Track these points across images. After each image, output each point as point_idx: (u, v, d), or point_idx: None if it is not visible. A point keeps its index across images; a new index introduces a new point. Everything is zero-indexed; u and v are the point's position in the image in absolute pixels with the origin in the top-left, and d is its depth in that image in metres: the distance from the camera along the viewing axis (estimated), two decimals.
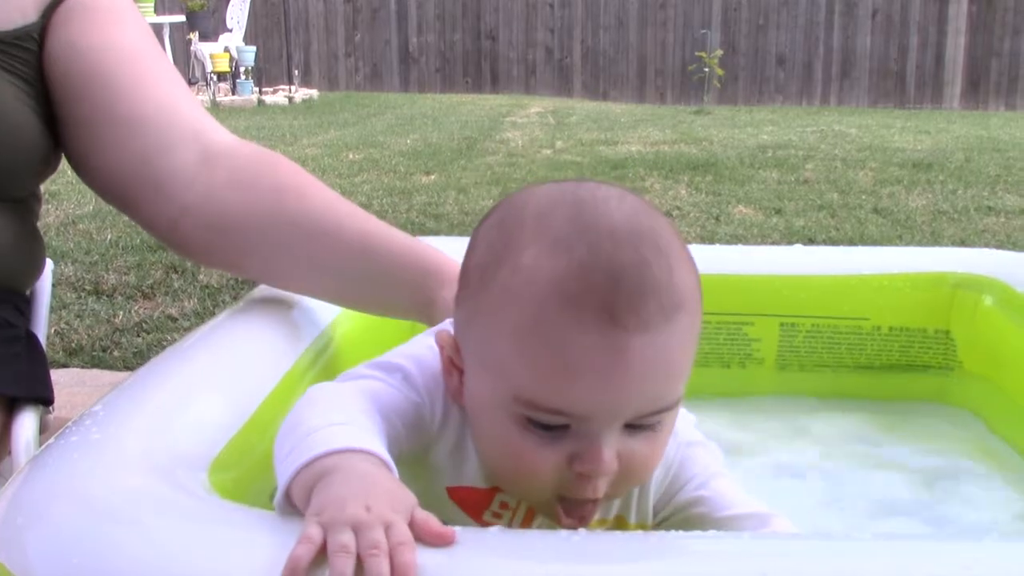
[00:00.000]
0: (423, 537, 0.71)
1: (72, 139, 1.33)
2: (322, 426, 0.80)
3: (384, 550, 0.69)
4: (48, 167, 1.36)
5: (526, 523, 0.93)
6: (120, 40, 1.35)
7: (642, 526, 0.98)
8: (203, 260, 1.39)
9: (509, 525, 0.93)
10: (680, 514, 0.97)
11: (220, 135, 1.36)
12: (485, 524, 0.92)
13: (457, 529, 0.73)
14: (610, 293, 0.78)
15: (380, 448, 0.79)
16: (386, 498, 0.73)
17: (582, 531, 0.79)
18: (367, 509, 0.71)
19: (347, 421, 0.81)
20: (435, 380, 0.92)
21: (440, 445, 0.93)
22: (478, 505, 0.93)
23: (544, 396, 0.80)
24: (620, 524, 0.97)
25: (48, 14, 1.33)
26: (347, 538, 0.69)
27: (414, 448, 0.90)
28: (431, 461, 0.91)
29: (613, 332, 0.77)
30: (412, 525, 0.72)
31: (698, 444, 1.00)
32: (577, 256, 0.79)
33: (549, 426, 0.81)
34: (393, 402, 0.89)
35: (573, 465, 0.82)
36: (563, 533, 0.77)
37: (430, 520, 0.73)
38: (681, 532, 0.84)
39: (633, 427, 0.83)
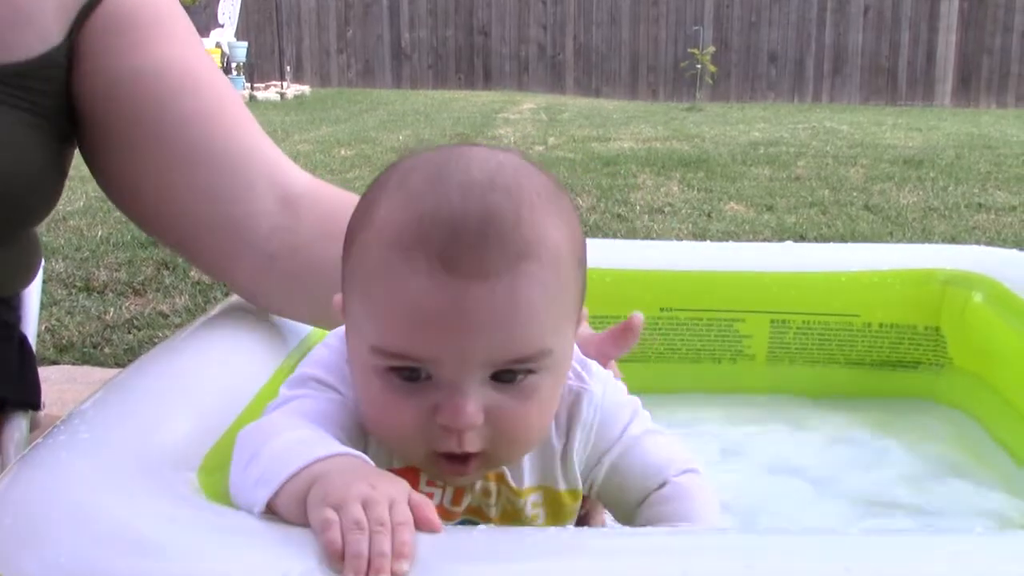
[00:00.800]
0: (417, 521, 0.73)
1: (121, 179, 1.19)
2: (291, 444, 0.80)
3: (388, 528, 0.70)
4: (52, 206, 1.22)
5: (456, 500, 0.94)
6: (174, 60, 1.18)
7: (572, 493, 0.98)
8: (278, 309, 1.27)
9: (441, 502, 0.93)
10: (613, 480, 0.98)
11: (298, 174, 1.24)
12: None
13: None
14: (449, 241, 0.79)
15: (358, 451, 0.81)
16: (386, 479, 0.75)
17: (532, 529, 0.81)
18: (372, 487, 0.73)
19: (309, 438, 0.82)
20: (340, 370, 0.93)
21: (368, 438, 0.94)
22: (410, 482, 0.93)
23: (391, 341, 0.81)
24: (549, 494, 0.97)
25: (76, 29, 1.15)
26: (359, 514, 0.70)
27: (356, 444, 0.90)
28: (369, 451, 0.91)
29: (450, 279, 0.78)
30: (410, 507, 0.74)
31: (623, 405, 1.00)
32: (423, 208, 0.81)
33: (410, 378, 0.82)
34: (320, 410, 0.89)
35: (436, 417, 0.82)
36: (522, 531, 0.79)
37: (424, 504, 0.74)
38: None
39: (500, 381, 0.83)
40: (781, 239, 4.04)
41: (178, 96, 1.16)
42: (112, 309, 3.04)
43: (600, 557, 0.74)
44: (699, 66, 10.83)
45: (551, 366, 0.85)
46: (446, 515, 0.93)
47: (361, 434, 0.91)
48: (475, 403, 0.82)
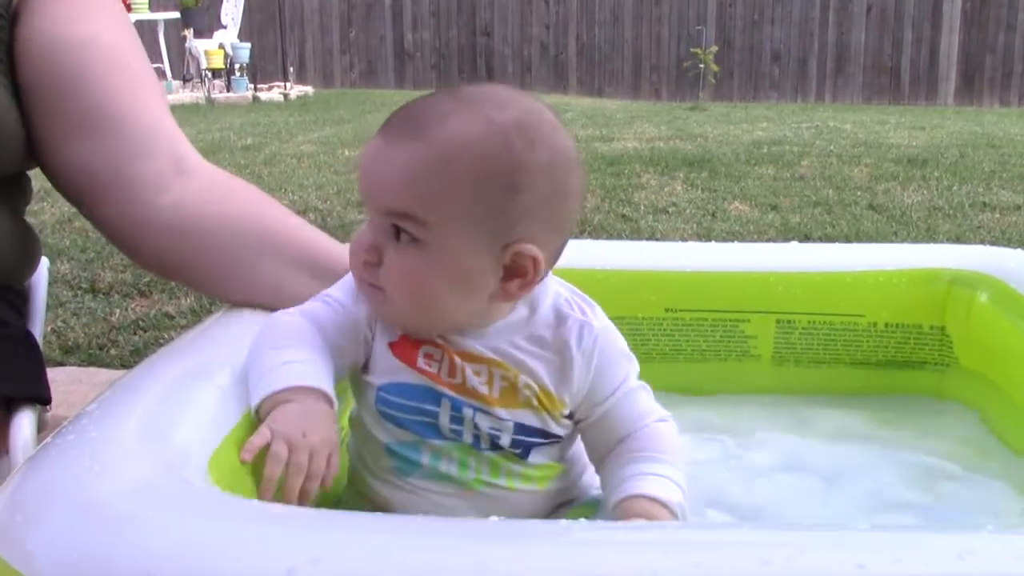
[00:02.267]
0: (325, 478, 0.97)
1: (40, 129, 1.31)
2: (277, 366, 1.04)
3: (303, 474, 0.96)
4: (24, 149, 1.33)
5: (452, 372, 1.10)
6: (102, 34, 1.34)
7: (560, 402, 1.13)
8: (156, 262, 1.37)
9: (439, 373, 1.09)
10: (603, 422, 1.15)
11: (194, 153, 1.38)
12: (422, 371, 1.09)
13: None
14: (393, 116, 1.05)
15: (327, 386, 1.03)
16: (320, 434, 0.98)
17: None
18: (303, 434, 0.97)
19: (303, 359, 1.05)
20: (349, 287, 1.14)
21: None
22: (408, 354, 1.10)
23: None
24: (543, 389, 1.12)
25: None
26: (283, 450, 0.96)
27: (356, 347, 1.12)
28: (378, 326, 1.12)
29: (378, 140, 1.04)
30: (327, 463, 0.97)
31: (624, 354, 1.17)
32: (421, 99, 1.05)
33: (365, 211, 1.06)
34: (330, 318, 1.11)
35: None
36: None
37: (334, 467, 0.99)
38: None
39: (395, 238, 1.02)
40: (786, 239, 4.04)
41: (98, 68, 1.32)
42: (118, 310, 3.04)
43: (615, 550, 0.74)
44: (702, 65, 10.82)
45: (428, 243, 1.01)
46: (443, 384, 1.09)
47: (361, 329, 1.11)
48: (369, 236, 1.04)
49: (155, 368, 1.09)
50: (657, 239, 3.97)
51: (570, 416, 1.15)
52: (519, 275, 1.06)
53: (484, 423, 1.10)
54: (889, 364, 1.83)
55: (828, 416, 1.75)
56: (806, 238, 4.06)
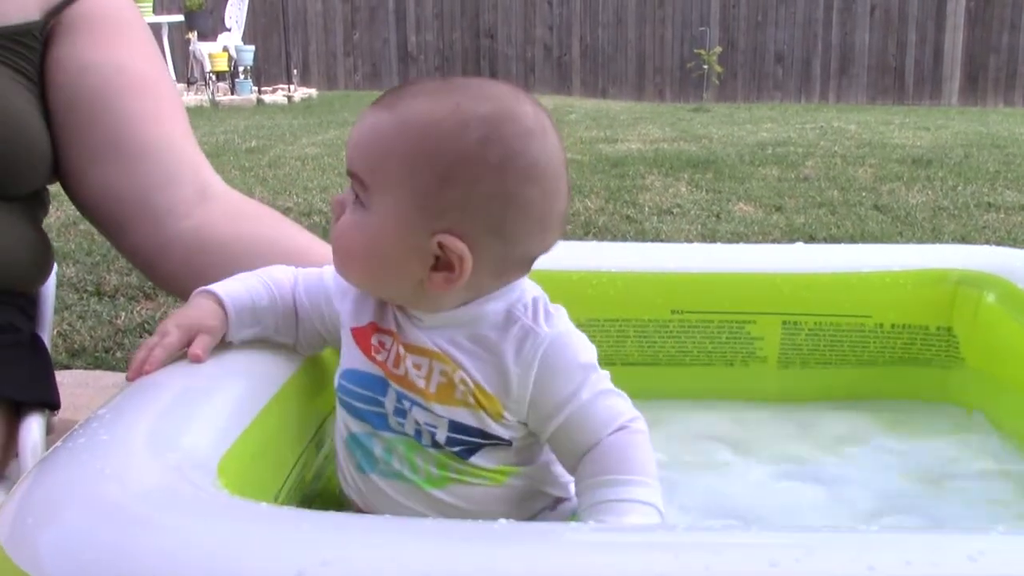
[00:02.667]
0: (190, 350, 1.08)
1: (67, 152, 1.34)
2: (235, 279, 1.16)
3: (150, 348, 1.07)
4: (50, 166, 1.35)
5: (396, 363, 1.09)
6: (131, 62, 1.37)
7: (496, 402, 1.08)
8: (177, 284, 1.37)
9: (386, 362, 1.10)
10: (561, 434, 1.09)
11: (218, 180, 1.42)
12: (374, 360, 1.11)
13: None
14: (387, 92, 1.07)
15: (224, 291, 1.12)
16: (185, 320, 1.10)
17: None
18: (173, 322, 1.10)
19: (238, 278, 1.16)
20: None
21: (346, 296, 1.16)
22: (365, 341, 1.12)
23: None
24: (479, 388, 1.08)
25: (52, 15, 1.32)
26: (155, 338, 1.08)
27: (318, 302, 1.18)
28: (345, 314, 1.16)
29: (365, 110, 1.06)
30: (190, 341, 1.09)
31: (576, 368, 1.08)
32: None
33: None
34: (312, 279, 1.19)
35: None
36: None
37: (198, 343, 1.09)
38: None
39: (355, 195, 1.05)
40: (791, 240, 4.04)
41: (127, 95, 1.35)
42: (123, 313, 3.05)
43: (623, 552, 0.74)
44: (705, 67, 10.83)
45: (368, 209, 1.03)
46: (389, 375, 1.10)
47: (325, 303, 1.17)
48: (346, 195, 1.07)
49: (166, 371, 1.09)
50: (661, 240, 3.97)
51: (524, 423, 1.10)
52: (446, 268, 1.02)
53: (421, 417, 1.08)
54: (896, 365, 1.82)
55: (835, 418, 1.75)
56: (811, 239, 4.06)
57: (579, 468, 1.08)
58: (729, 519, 1.41)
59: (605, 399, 1.09)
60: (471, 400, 1.07)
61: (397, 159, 1.01)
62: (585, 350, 1.10)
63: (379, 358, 1.10)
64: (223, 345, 1.18)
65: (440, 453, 1.09)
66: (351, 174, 1.05)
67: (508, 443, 1.10)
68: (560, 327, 1.09)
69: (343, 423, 1.16)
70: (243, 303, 1.14)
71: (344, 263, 1.09)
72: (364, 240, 1.04)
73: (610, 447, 1.06)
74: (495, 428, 1.08)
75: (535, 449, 1.14)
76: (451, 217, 1.00)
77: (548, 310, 1.10)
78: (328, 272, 1.18)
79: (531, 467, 1.14)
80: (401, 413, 1.09)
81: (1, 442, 1.22)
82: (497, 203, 1.00)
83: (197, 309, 1.12)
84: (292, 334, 1.20)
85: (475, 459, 1.09)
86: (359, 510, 1.14)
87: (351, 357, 1.13)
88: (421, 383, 1.07)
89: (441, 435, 1.08)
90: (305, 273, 1.20)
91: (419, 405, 1.08)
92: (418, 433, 1.09)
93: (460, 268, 1.01)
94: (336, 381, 1.15)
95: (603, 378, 1.10)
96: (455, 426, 1.08)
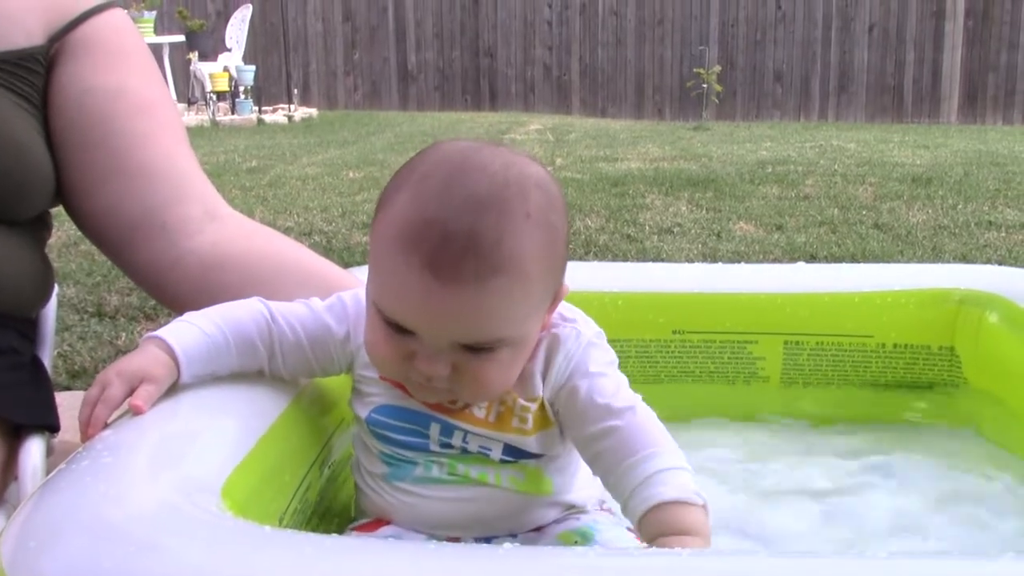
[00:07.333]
0: (130, 401, 1.03)
1: (71, 174, 1.34)
2: (185, 322, 1.13)
3: (91, 405, 1.05)
4: (53, 190, 1.35)
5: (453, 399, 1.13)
6: (133, 85, 1.37)
7: (550, 419, 1.15)
8: (189, 301, 1.33)
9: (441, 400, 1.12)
10: (567, 398, 1.14)
11: (223, 202, 1.42)
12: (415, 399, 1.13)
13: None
14: (437, 249, 0.98)
15: (175, 338, 1.09)
16: (128, 368, 1.06)
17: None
18: (114, 372, 1.06)
19: (193, 321, 1.12)
20: (344, 313, 1.18)
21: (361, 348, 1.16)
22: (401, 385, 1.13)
23: (385, 306, 1.04)
24: (541, 410, 1.14)
25: (56, 39, 1.33)
26: (98, 382, 1.07)
27: (321, 356, 1.18)
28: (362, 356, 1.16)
29: (430, 279, 0.98)
30: (132, 391, 1.04)
31: (597, 346, 1.16)
32: (426, 213, 0.99)
33: (400, 330, 1.03)
34: (302, 319, 1.17)
35: (414, 362, 1.04)
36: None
37: (139, 394, 1.04)
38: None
39: (471, 349, 1.03)
40: (791, 259, 4.04)
41: (130, 116, 1.35)
42: (124, 334, 3.04)
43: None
44: (705, 85, 10.85)
45: (511, 344, 1.04)
46: (434, 408, 1.13)
47: (334, 347, 1.17)
48: (443, 364, 1.03)
49: (169, 394, 1.09)
50: (662, 260, 3.97)
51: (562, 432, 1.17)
52: (555, 303, 1.12)
53: (474, 443, 1.14)
54: (898, 385, 1.82)
55: (837, 438, 1.75)
56: (812, 258, 4.06)
57: (591, 443, 1.12)
58: (732, 540, 1.41)
59: (606, 378, 1.15)
60: (529, 425, 1.14)
61: (535, 295, 1.04)
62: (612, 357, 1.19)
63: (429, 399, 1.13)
64: None
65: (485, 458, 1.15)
66: (493, 341, 1.03)
67: (555, 457, 1.18)
68: (591, 326, 1.19)
69: (370, 442, 1.19)
70: (195, 346, 1.11)
71: (489, 396, 1.12)
72: (517, 363, 1.09)
73: (636, 427, 1.11)
74: (546, 447, 1.16)
75: (566, 453, 1.20)
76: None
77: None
78: (319, 306, 1.19)
79: (561, 478, 1.20)
80: (447, 438, 1.15)
81: (1, 465, 1.21)
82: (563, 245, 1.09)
83: (142, 356, 1.09)
84: (260, 365, 1.17)
85: (513, 470, 1.16)
86: (379, 519, 1.18)
87: (386, 395, 1.16)
88: (480, 413, 1.14)
89: (495, 455, 1.15)
90: (312, 317, 1.18)
91: (474, 433, 1.14)
92: (464, 452, 1.15)
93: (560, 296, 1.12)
94: (366, 414, 1.17)
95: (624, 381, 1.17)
96: (509, 449, 1.15)
